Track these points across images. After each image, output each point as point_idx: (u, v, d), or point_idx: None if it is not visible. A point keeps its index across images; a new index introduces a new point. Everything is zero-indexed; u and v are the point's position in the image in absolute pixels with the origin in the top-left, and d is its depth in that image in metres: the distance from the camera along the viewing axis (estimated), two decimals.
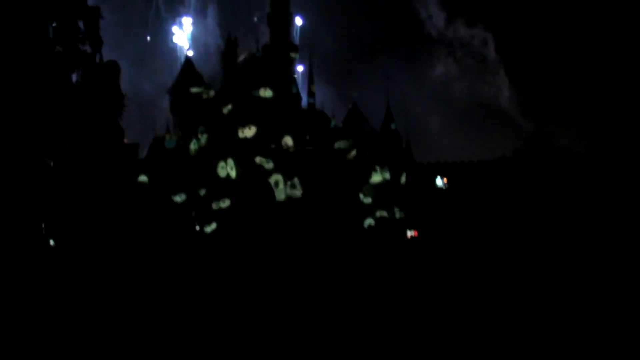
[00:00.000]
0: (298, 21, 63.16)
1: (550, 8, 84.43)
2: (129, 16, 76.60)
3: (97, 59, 23.01)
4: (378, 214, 53.60)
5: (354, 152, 55.37)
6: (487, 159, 60.51)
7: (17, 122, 20.59)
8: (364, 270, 37.63)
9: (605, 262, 36.06)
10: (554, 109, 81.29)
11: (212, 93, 57.38)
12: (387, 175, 54.94)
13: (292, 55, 61.05)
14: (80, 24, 22.46)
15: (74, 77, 24.46)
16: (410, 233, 53.37)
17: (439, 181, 56.70)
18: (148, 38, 74.47)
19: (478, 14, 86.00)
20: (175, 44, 65.52)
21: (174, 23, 67.04)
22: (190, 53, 62.17)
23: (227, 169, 52.20)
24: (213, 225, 50.02)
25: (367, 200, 53.88)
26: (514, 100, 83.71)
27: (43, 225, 22.66)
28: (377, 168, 54.81)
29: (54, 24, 21.89)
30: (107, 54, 25.78)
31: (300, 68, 62.08)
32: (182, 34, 65.09)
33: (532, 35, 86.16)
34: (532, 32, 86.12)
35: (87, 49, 23.85)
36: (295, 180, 52.63)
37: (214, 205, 50.70)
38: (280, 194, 52.14)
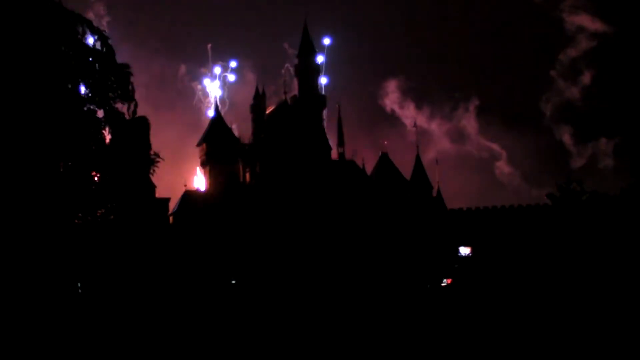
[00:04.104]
0: (326, 41, 64.13)
1: None
2: (160, 71, 77.95)
3: (129, 115, 23.15)
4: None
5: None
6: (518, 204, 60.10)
7: (49, 179, 20.72)
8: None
9: None
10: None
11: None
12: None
13: (320, 105, 61.23)
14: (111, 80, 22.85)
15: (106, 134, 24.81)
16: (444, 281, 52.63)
17: (464, 250, 55.92)
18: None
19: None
20: (204, 97, 66.49)
21: (204, 77, 68.12)
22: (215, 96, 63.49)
23: None
24: None
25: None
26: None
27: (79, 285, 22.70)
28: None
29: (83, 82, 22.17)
30: (138, 110, 26.21)
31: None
32: (212, 87, 66.17)
33: None
34: None
35: (118, 105, 24.01)
36: None
37: None
38: None
